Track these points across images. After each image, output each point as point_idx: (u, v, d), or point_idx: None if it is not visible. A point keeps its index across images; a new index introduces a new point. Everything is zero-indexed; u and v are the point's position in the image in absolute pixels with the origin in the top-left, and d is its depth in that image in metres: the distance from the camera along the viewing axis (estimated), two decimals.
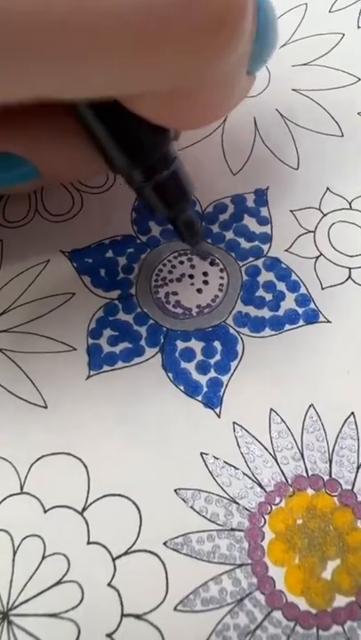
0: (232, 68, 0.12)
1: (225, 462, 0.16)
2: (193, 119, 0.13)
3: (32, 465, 0.17)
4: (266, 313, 0.18)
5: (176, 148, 0.15)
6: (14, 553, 0.16)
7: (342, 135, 0.21)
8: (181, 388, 0.17)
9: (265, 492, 0.16)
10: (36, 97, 0.11)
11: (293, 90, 0.22)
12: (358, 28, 0.24)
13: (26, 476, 0.16)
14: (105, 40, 0.10)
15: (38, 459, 0.17)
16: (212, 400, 0.17)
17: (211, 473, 0.16)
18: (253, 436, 0.17)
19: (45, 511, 0.16)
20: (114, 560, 0.15)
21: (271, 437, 0.17)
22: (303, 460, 0.16)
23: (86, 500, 0.16)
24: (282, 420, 0.17)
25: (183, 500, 0.16)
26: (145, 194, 0.16)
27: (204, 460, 0.16)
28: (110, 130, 0.14)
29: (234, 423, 0.17)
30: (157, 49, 0.10)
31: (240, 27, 0.11)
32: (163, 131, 0.14)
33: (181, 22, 0.10)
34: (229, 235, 0.20)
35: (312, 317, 0.18)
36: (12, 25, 0.09)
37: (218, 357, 0.18)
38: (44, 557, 0.16)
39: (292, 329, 0.18)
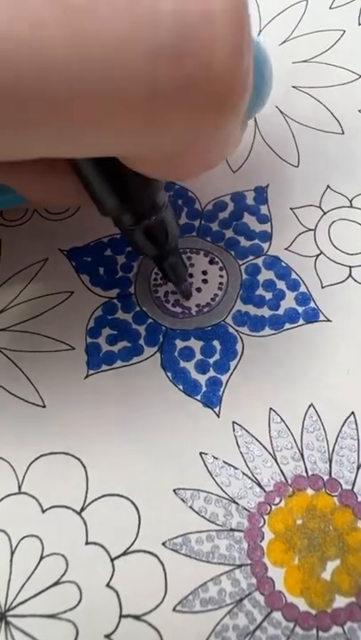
0: (231, 129, 0.12)
1: (224, 462, 0.16)
2: (188, 174, 0.14)
3: (30, 465, 0.17)
4: (266, 312, 0.18)
5: (165, 194, 0.16)
6: (12, 553, 0.16)
7: (343, 133, 0.21)
8: (180, 387, 0.17)
9: (264, 492, 0.16)
10: (35, 157, 0.11)
11: (294, 87, 0.22)
12: (359, 24, 0.23)
13: (24, 476, 0.16)
14: (109, 119, 0.10)
15: (36, 458, 0.17)
16: (212, 399, 0.17)
17: (210, 473, 0.16)
18: (253, 436, 0.17)
19: (43, 511, 0.16)
20: (112, 560, 0.15)
21: (271, 437, 0.17)
22: (303, 459, 0.16)
23: (85, 500, 0.16)
24: (281, 419, 0.17)
25: (182, 499, 0.16)
26: (134, 237, 0.16)
27: (203, 460, 0.16)
28: (102, 175, 0.14)
29: (233, 423, 0.17)
30: (160, 127, 0.11)
31: (240, 102, 0.11)
32: (152, 179, 0.14)
33: (184, 106, 0.10)
34: (229, 233, 0.20)
35: (312, 316, 0.18)
36: (20, 98, 0.09)
37: (217, 357, 0.18)
38: (42, 558, 0.15)
39: (291, 328, 0.18)
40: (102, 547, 0.16)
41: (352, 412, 0.17)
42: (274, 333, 0.18)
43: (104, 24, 0.09)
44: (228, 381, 0.17)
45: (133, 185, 0.14)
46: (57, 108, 0.10)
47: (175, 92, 0.10)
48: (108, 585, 0.15)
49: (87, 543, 0.16)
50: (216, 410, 0.17)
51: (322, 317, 0.18)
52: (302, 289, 0.18)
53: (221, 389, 0.17)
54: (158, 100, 0.10)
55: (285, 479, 0.16)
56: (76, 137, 0.10)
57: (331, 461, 0.16)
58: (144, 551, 0.15)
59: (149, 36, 0.09)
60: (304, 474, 0.16)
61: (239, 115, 0.11)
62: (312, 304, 0.18)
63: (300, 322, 0.18)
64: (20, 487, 0.16)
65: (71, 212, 0.20)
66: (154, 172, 0.13)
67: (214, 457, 0.16)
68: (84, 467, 0.16)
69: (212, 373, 0.17)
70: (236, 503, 0.16)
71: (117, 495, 0.16)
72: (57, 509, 0.16)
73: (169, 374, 0.18)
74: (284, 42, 0.23)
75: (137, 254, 0.17)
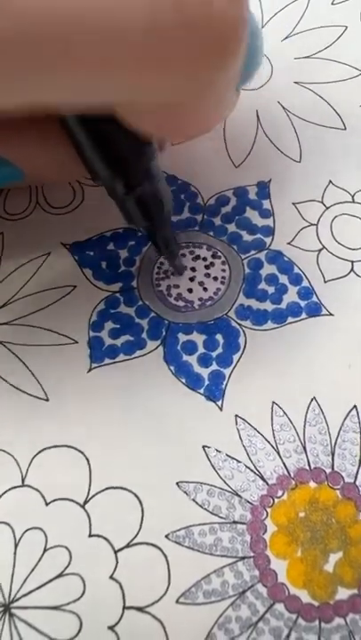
0: (226, 84, 0.12)
1: (227, 455, 0.16)
2: (183, 132, 0.14)
3: (33, 458, 0.17)
4: (268, 306, 0.18)
5: (169, 150, 0.15)
6: (16, 546, 0.16)
7: (345, 128, 0.21)
8: (183, 380, 0.17)
9: (267, 484, 0.16)
10: (31, 106, 0.11)
11: (296, 82, 0.22)
12: None
13: (27, 469, 0.16)
14: (108, 56, 0.10)
15: (40, 451, 0.17)
16: (214, 393, 0.17)
17: (213, 466, 0.16)
18: (256, 429, 0.17)
19: (47, 504, 0.16)
20: (116, 553, 0.15)
21: (273, 430, 0.17)
22: (305, 452, 0.16)
23: (88, 493, 0.16)
24: (284, 412, 0.17)
25: (185, 492, 0.16)
26: (126, 206, 0.16)
27: (206, 453, 0.16)
28: (95, 141, 0.14)
29: (236, 416, 0.17)
30: (159, 67, 0.11)
31: (239, 47, 0.11)
32: (147, 144, 0.15)
33: (185, 43, 0.10)
34: (231, 227, 0.20)
35: (314, 310, 0.18)
36: (21, 34, 0.10)
37: (220, 350, 0.18)
38: (45, 550, 0.16)
39: (294, 322, 0.18)
40: (106, 539, 0.16)
41: (354, 406, 0.17)
42: (276, 327, 0.18)
43: None
44: (230, 375, 0.17)
45: (127, 152, 0.14)
46: (59, 50, 0.10)
47: (174, 31, 0.10)
48: (111, 577, 0.15)
49: (90, 535, 0.16)
50: (219, 403, 0.17)
51: (324, 311, 0.18)
52: (305, 283, 0.19)
53: (224, 383, 0.17)
54: (157, 37, 0.10)
55: (288, 472, 0.16)
56: (78, 79, 0.10)
57: (333, 454, 0.16)
58: (147, 543, 0.15)
59: None
60: (307, 467, 0.16)
61: (235, 63, 0.11)
62: (314, 298, 0.18)
63: (303, 316, 0.18)
64: (23, 480, 0.16)
65: (74, 206, 0.20)
66: (153, 129, 0.13)
67: (217, 450, 0.16)
68: (87, 459, 0.16)
69: (214, 367, 0.17)
70: (239, 496, 0.16)
71: (120, 488, 0.16)
72: (60, 502, 0.16)
73: (172, 368, 0.18)
74: (287, 37, 0.23)
75: (128, 224, 0.17)
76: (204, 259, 0.19)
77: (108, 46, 0.10)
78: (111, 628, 0.15)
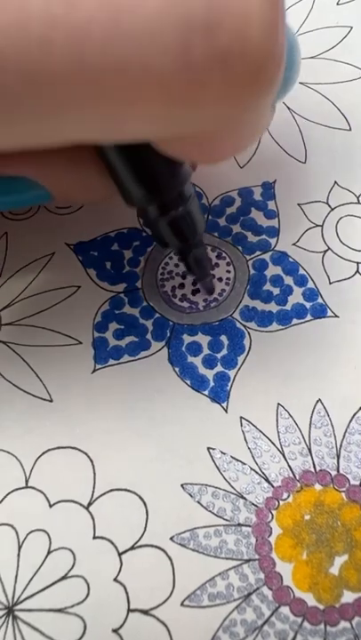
0: (263, 109, 0.12)
1: (232, 457, 0.16)
2: (220, 155, 0.14)
3: (37, 459, 0.16)
4: (273, 307, 0.18)
5: (191, 185, 0.15)
6: (19, 547, 0.16)
7: (350, 129, 0.21)
8: (188, 382, 0.17)
9: (272, 487, 0.16)
10: (72, 142, 0.11)
11: (301, 83, 0.22)
12: None
13: (31, 471, 0.16)
14: (140, 94, 0.10)
15: (43, 453, 0.17)
16: (219, 395, 0.17)
17: (218, 468, 0.16)
18: (261, 431, 0.17)
19: (51, 506, 0.16)
20: (120, 555, 0.15)
21: (279, 432, 0.17)
22: (311, 455, 0.16)
23: (92, 495, 0.16)
24: (289, 415, 0.17)
25: (190, 494, 0.16)
26: (159, 228, 0.16)
27: (210, 455, 0.16)
28: (130, 164, 0.14)
29: (241, 418, 0.17)
30: (193, 102, 0.10)
31: (276, 77, 0.11)
32: (180, 167, 0.14)
33: (220, 79, 0.10)
34: (236, 228, 0.20)
35: (320, 312, 0.18)
36: (55, 78, 0.10)
37: (225, 352, 0.18)
38: (49, 552, 0.15)
39: (299, 323, 0.18)
40: (110, 541, 0.15)
41: (360, 408, 0.17)
42: (282, 329, 0.18)
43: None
44: (235, 376, 0.17)
45: (161, 174, 0.14)
46: (91, 87, 0.10)
47: (210, 65, 0.10)
48: (115, 579, 0.15)
49: (95, 537, 0.16)
50: (224, 405, 0.17)
51: (330, 313, 0.18)
52: (310, 285, 0.18)
53: (229, 384, 0.17)
54: (193, 73, 0.10)
55: (293, 474, 0.16)
56: (110, 117, 0.10)
57: (338, 457, 0.16)
58: (152, 546, 0.15)
59: (182, 9, 0.09)
60: (312, 469, 0.16)
61: (273, 90, 0.11)
62: (320, 300, 0.18)
63: (308, 317, 0.18)
64: (27, 481, 0.16)
65: (78, 206, 0.20)
66: (187, 155, 0.13)
67: (222, 452, 0.16)
68: (92, 461, 0.16)
69: (219, 368, 0.17)
70: (244, 498, 0.16)
71: (125, 490, 0.16)
72: (64, 504, 0.16)
73: (176, 369, 0.17)
74: None
75: (161, 247, 0.16)
76: (209, 260, 0.19)
77: (140, 83, 0.10)
78: (115, 630, 0.15)
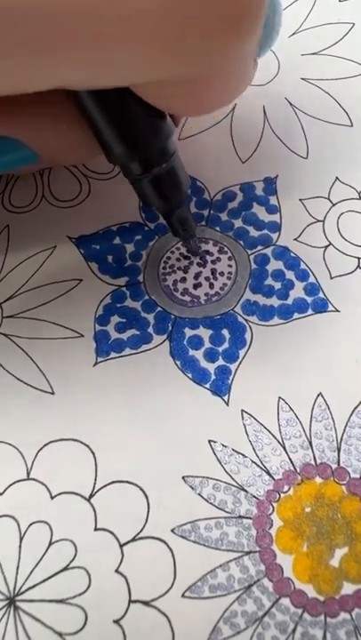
0: (245, 56, 0.12)
1: (233, 450, 0.16)
2: (203, 106, 0.14)
3: (39, 451, 0.17)
4: (275, 301, 0.18)
5: (176, 141, 0.15)
6: (21, 539, 0.16)
7: (351, 125, 0.21)
8: (189, 375, 0.17)
9: (273, 479, 0.16)
10: (57, 86, 0.11)
11: (303, 79, 0.22)
12: None
13: (32, 463, 0.16)
14: (126, 31, 0.10)
15: (45, 445, 0.17)
16: (221, 388, 0.17)
17: (219, 460, 0.16)
18: (262, 424, 0.17)
19: (52, 497, 0.16)
20: (121, 547, 0.15)
21: (280, 425, 0.17)
22: (312, 448, 0.16)
23: (93, 487, 0.16)
24: (290, 408, 0.17)
25: (191, 487, 0.16)
26: (142, 186, 0.16)
27: (212, 448, 0.16)
28: (111, 119, 0.14)
29: (242, 411, 0.17)
30: (177, 41, 0.10)
31: (260, 15, 0.11)
32: (163, 123, 0.14)
33: (205, 15, 0.10)
34: (238, 223, 0.20)
35: (321, 306, 0.18)
36: (43, 13, 0.09)
37: (226, 345, 0.18)
38: (50, 543, 0.15)
39: (300, 318, 0.18)
40: (111, 533, 0.16)
41: (360, 402, 0.17)
42: (283, 323, 0.18)
43: None
44: (237, 370, 0.17)
45: (143, 130, 0.14)
46: (77, 24, 0.10)
47: (193, 4, 0.10)
48: (116, 571, 0.15)
49: (96, 529, 0.16)
50: (225, 398, 0.17)
51: (331, 308, 0.18)
52: (311, 279, 0.19)
53: (230, 378, 0.17)
54: (175, 11, 0.10)
55: (294, 467, 0.16)
56: (97, 57, 0.10)
57: (339, 450, 0.16)
58: (153, 537, 0.15)
59: None
60: (313, 462, 0.16)
61: (256, 33, 0.11)
62: (321, 294, 0.18)
63: (309, 312, 0.18)
64: (28, 473, 0.16)
65: (80, 199, 0.20)
66: (171, 103, 0.13)
67: (223, 445, 0.16)
68: (93, 453, 0.16)
69: (221, 362, 0.17)
70: (245, 491, 0.16)
71: (126, 482, 0.16)
72: (66, 495, 0.16)
73: (178, 362, 0.18)
74: (294, 34, 0.23)
75: (145, 205, 0.16)
76: (211, 254, 0.19)
77: (126, 21, 0.10)
78: (116, 621, 0.15)
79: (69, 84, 0.11)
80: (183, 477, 0.16)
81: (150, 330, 0.18)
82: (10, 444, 0.17)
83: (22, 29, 0.10)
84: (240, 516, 0.16)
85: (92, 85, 0.12)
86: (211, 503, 0.16)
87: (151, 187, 0.15)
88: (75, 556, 0.15)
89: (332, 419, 0.17)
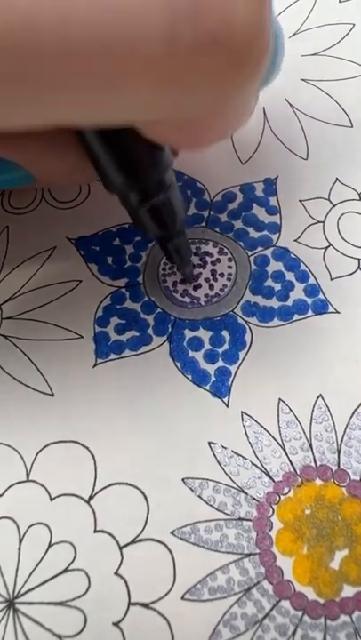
0: (249, 94, 0.12)
1: (233, 452, 0.16)
2: (203, 141, 0.14)
3: (38, 453, 0.16)
4: (274, 303, 0.18)
5: (173, 173, 0.15)
6: (20, 541, 0.16)
7: (352, 125, 0.21)
8: (189, 377, 0.17)
9: (273, 481, 0.16)
10: (57, 124, 0.11)
11: (303, 80, 0.22)
12: None
13: (32, 464, 0.16)
14: (131, 79, 0.10)
15: (44, 447, 0.17)
16: (221, 389, 0.17)
17: (219, 462, 0.16)
18: (262, 426, 0.17)
19: (52, 499, 0.16)
20: (121, 549, 0.15)
21: (280, 427, 0.17)
22: (312, 450, 0.16)
23: (93, 489, 0.16)
24: (290, 410, 0.17)
25: (191, 489, 0.16)
26: (139, 215, 0.16)
27: (212, 450, 0.16)
28: (110, 150, 0.14)
29: (242, 413, 0.17)
30: (179, 82, 0.10)
31: (262, 62, 0.11)
32: (162, 154, 0.14)
33: (206, 64, 0.10)
34: (238, 224, 0.20)
35: (321, 308, 0.18)
36: (41, 57, 0.09)
37: (226, 347, 0.18)
38: (50, 545, 0.15)
39: (300, 319, 0.18)
40: (111, 535, 0.15)
41: (360, 404, 0.17)
42: (283, 324, 0.18)
43: None
44: (237, 372, 0.17)
45: (141, 161, 0.14)
46: (77, 66, 0.09)
47: (196, 50, 0.10)
48: (116, 573, 0.15)
49: (96, 531, 0.16)
50: (225, 400, 0.17)
51: (331, 309, 0.18)
52: (311, 280, 0.18)
53: (230, 379, 0.17)
54: (179, 57, 0.10)
55: (294, 469, 0.16)
56: (96, 99, 0.10)
57: (339, 452, 0.16)
58: (153, 540, 0.15)
59: None
60: (313, 464, 0.16)
61: (259, 75, 0.11)
62: (321, 295, 0.18)
63: (309, 313, 0.18)
64: (28, 475, 0.16)
65: (79, 200, 0.20)
66: (171, 139, 0.13)
67: (223, 447, 0.16)
68: (93, 455, 0.16)
69: (221, 363, 0.17)
70: (245, 493, 0.16)
71: (126, 484, 0.16)
72: (65, 497, 0.16)
73: (178, 364, 0.17)
74: (294, 35, 0.23)
75: (142, 234, 0.16)
76: (211, 255, 0.19)
77: (126, 64, 0.10)
78: (116, 624, 0.15)
79: (65, 123, 0.11)
80: (183, 479, 0.16)
81: (150, 331, 0.18)
82: (9, 446, 0.17)
83: (22, 69, 0.10)
84: (240, 518, 0.16)
85: (92, 124, 0.12)
86: (210, 505, 0.16)
87: (149, 216, 0.16)
88: (74, 558, 0.15)
89: (333, 420, 0.17)
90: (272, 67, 0.13)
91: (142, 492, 0.16)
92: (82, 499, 0.16)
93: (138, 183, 0.15)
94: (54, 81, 0.10)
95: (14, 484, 0.16)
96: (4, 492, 0.16)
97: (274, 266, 0.19)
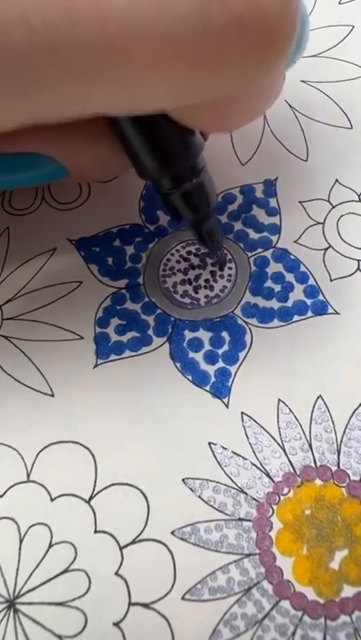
0: (277, 74, 0.13)
1: (233, 452, 0.16)
2: (233, 124, 0.14)
3: (39, 453, 0.17)
4: (274, 304, 0.18)
5: (204, 158, 0.16)
6: (20, 541, 0.16)
7: (351, 127, 0.21)
8: (189, 377, 0.17)
9: (273, 482, 0.16)
10: (93, 114, 0.12)
11: (302, 81, 0.22)
12: None
13: (32, 465, 0.16)
14: (166, 63, 0.10)
15: (45, 447, 0.17)
16: (221, 390, 0.17)
17: (219, 463, 0.16)
18: (262, 427, 0.17)
19: (52, 499, 0.16)
20: (121, 549, 0.15)
21: (279, 428, 0.17)
22: (311, 450, 0.16)
23: (93, 489, 0.16)
24: (290, 410, 0.17)
25: (191, 489, 0.16)
26: (173, 200, 0.16)
27: (212, 450, 0.16)
28: (144, 137, 0.14)
29: (242, 413, 0.17)
30: (213, 65, 0.11)
31: (290, 41, 0.11)
32: (193, 139, 0.15)
33: (237, 45, 0.10)
34: (238, 225, 0.20)
35: (321, 309, 0.18)
36: (82, 49, 0.10)
37: (226, 348, 0.18)
38: (50, 546, 0.15)
39: (300, 320, 0.18)
40: (111, 535, 0.16)
41: (360, 404, 0.17)
42: (283, 325, 0.18)
43: None
44: (236, 372, 0.17)
45: (174, 147, 0.14)
46: (115, 55, 0.10)
47: (227, 31, 0.10)
48: (116, 573, 0.15)
49: (96, 531, 0.16)
50: (225, 400, 0.17)
51: (330, 310, 0.18)
52: (311, 282, 0.19)
53: (230, 380, 0.17)
54: (211, 39, 0.10)
55: (294, 470, 0.16)
56: (134, 86, 0.11)
57: (339, 452, 0.16)
58: (153, 540, 0.15)
59: None
60: (312, 464, 0.16)
61: (287, 54, 0.12)
62: (321, 297, 0.18)
63: (309, 314, 0.18)
64: (28, 475, 0.16)
65: (80, 201, 0.20)
66: (202, 122, 0.13)
67: (223, 447, 0.16)
68: (93, 455, 0.16)
69: (221, 364, 0.17)
70: (245, 493, 0.16)
71: (126, 484, 0.16)
72: (66, 498, 0.16)
73: (178, 365, 0.18)
74: None
75: (174, 220, 0.17)
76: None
77: (161, 50, 0.10)
78: (116, 624, 0.15)
79: (107, 111, 0.12)
80: (183, 480, 0.16)
81: (150, 332, 0.18)
82: (10, 446, 0.17)
83: (64, 61, 0.10)
84: (240, 519, 0.16)
85: (128, 112, 0.13)
86: (211, 505, 0.16)
87: (182, 201, 0.16)
88: (74, 558, 0.15)
89: (332, 421, 0.17)
90: (298, 46, 0.14)
91: (142, 493, 0.16)
92: (82, 499, 0.16)
93: (171, 168, 0.15)
94: (92, 70, 0.10)
95: (15, 485, 0.16)
96: (5, 492, 0.16)
97: (274, 267, 0.19)
